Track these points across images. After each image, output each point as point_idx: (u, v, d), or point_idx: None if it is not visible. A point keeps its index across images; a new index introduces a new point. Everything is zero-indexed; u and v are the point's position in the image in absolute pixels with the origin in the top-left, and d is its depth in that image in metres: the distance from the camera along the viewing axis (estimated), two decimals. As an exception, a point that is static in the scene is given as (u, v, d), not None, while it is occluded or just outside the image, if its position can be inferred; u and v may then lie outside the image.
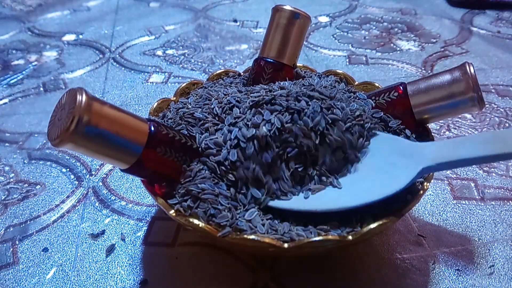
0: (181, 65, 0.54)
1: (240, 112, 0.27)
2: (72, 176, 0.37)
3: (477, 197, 0.34)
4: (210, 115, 0.28)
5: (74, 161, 0.38)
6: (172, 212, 0.24)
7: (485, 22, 0.63)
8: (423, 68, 0.52)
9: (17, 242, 0.31)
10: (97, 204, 0.34)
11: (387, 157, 0.26)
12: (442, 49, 0.56)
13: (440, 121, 0.42)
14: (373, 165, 0.26)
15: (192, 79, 0.35)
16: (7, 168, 0.38)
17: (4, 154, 0.40)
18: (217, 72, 0.36)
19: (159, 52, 0.57)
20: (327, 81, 0.31)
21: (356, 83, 0.35)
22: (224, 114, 0.27)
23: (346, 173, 0.26)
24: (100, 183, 0.36)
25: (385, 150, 0.26)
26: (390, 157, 0.25)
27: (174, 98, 0.33)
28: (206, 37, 0.61)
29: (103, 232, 0.31)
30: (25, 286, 0.28)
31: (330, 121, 0.25)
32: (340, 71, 0.36)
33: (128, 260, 0.29)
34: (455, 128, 0.41)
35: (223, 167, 0.25)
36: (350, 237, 0.23)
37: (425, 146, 0.26)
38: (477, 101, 0.27)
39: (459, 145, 0.24)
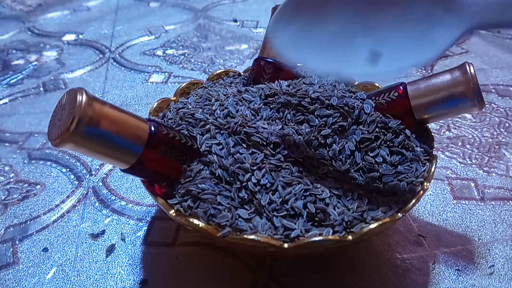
0: (181, 65, 0.54)
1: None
2: (72, 176, 0.37)
3: (477, 197, 0.34)
4: (211, 116, 0.28)
5: (74, 161, 0.38)
6: (172, 212, 0.24)
7: (485, 22, 0.63)
8: (423, 68, 0.52)
9: (17, 242, 0.31)
10: (97, 204, 0.34)
11: (428, 6, 0.23)
12: (442, 49, 0.56)
13: (440, 121, 0.42)
14: (413, 16, 0.23)
15: (192, 79, 0.35)
16: (7, 168, 0.38)
17: (4, 154, 0.40)
18: (217, 72, 0.36)
19: (159, 52, 0.57)
20: (327, 81, 0.32)
21: (356, 83, 0.35)
22: (225, 119, 0.28)
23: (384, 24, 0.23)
24: (100, 183, 0.36)
25: None
26: (431, 6, 0.23)
27: (174, 98, 0.33)
28: (206, 37, 0.61)
29: (103, 232, 0.31)
30: (25, 286, 0.28)
31: None
32: (340, 71, 0.36)
33: (128, 260, 0.29)
34: (455, 128, 0.41)
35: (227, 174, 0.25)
36: (350, 237, 0.23)
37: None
38: (477, 101, 0.27)
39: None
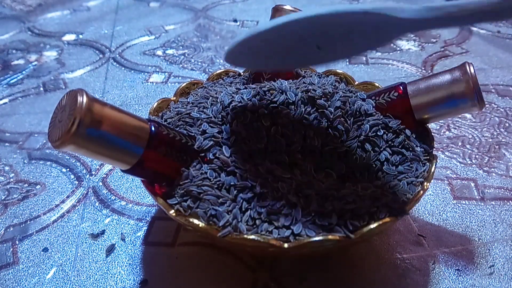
0: (181, 65, 0.54)
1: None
2: (72, 176, 0.37)
3: (477, 197, 0.34)
4: (205, 114, 0.28)
5: (74, 161, 0.38)
6: (172, 212, 0.24)
7: (485, 22, 0.63)
8: (423, 68, 0.52)
9: (17, 242, 0.31)
10: (97, 204, 0.34)
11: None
12: (442, 49, 0.56)
13: (440, 121, 0.42)
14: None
15: (192, 79, 0.35)
16: (7, 168, 0.38)
17: (4, 154, 0.40)
18: (217, 72, 0.36)
19: (159, 52, 0.57)
20: (327, 80, 0.31)
21: (356, 83, 0.35)
22: (219, 113, 0.27)
23: None
24: (100, 183, 0.36)
25: None
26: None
27: (174, 98, 0.33)
28: (206, 37, 0.61)
29: (103, 232, 0.31)
30: (25, 286, 0.28)
31: None
32: (340, 71, 0.36)
33: (128, 260, 0.29)
34: (455, 128, 0.41)
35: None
36: (350, 237, 0.23)
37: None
38: (477, 101, 0.27)
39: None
